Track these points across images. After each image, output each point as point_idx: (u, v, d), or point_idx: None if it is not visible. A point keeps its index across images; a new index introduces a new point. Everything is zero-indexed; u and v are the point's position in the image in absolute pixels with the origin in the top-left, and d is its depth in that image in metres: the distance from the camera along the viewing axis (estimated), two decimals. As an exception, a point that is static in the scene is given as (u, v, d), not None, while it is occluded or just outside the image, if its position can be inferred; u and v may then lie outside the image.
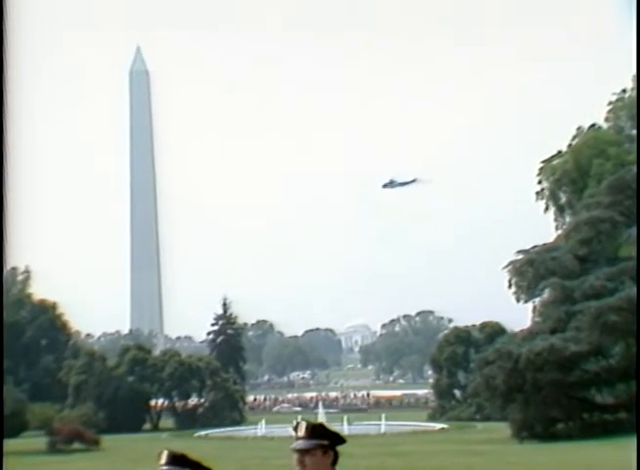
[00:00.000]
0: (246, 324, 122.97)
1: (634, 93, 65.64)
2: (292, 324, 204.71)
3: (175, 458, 4.82)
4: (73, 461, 47.42)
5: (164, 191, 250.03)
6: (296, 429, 5.16)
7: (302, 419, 5.47)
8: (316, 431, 5.13)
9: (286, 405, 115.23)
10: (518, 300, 58.05)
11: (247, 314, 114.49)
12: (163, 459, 4.78)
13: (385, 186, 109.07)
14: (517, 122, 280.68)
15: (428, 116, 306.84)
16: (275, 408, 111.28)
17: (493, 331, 79.26)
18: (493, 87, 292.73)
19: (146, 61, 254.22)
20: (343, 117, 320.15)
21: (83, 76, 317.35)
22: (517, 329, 64.48)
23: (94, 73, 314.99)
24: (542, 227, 74.97)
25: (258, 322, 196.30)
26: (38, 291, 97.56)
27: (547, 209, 72.97)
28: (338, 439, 5.19)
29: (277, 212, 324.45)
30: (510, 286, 57.62)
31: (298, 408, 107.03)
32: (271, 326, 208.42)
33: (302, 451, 5.08)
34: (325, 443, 5.11)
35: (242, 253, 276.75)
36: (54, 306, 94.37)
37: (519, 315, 66.95)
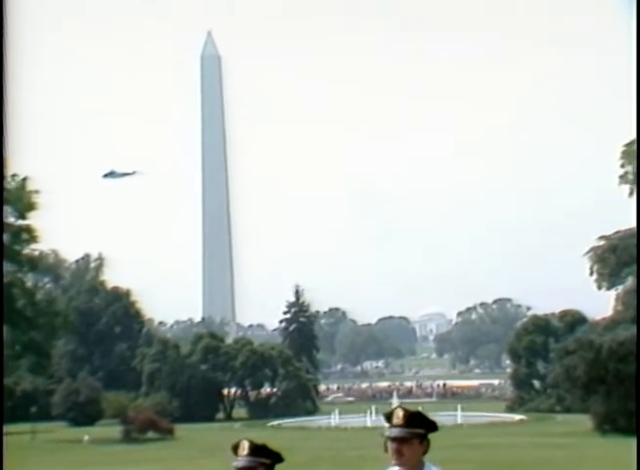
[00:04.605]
0: (318, 312, 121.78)
1: None
2: (365, 312, 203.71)
3: (256, 449, 4.77)
4: (148, 450, 47.33)
5: (237, 177, 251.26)
6: (390, 416, 5.03)
7: (398, 406, 5.21)
8: (414, 419, 4.98)
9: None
10: (599, 287, 56.48)
11: (319, 302, 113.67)
12: (245, 450, 4.76)
13: (105, 176, 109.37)
14: (600, 104, 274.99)
15: (507, 92, 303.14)
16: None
17: (573, 320, 77.24)
18: (572, 70, 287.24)
19: (217, 45, 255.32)
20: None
21: (155, 61, 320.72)
22: (598, 318, 62.91)
23: (166, 58, 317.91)
24: (625, 212, 72.60)
25: (331, 310, 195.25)
26: (111, 278, 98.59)
27: (631, 193, 70.59)
28: (433, 427, 5.07)
29: (350, 200, 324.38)
30: (591, 273, 56.10)
31: (371, 398, 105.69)
32: (344, 314, 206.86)
33: (399, 440, 4.93)
34: (422, 431, 5.00)
35: (314, 240, 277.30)
36: (127, 294, 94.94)
37: (600, 303, 65.16)
